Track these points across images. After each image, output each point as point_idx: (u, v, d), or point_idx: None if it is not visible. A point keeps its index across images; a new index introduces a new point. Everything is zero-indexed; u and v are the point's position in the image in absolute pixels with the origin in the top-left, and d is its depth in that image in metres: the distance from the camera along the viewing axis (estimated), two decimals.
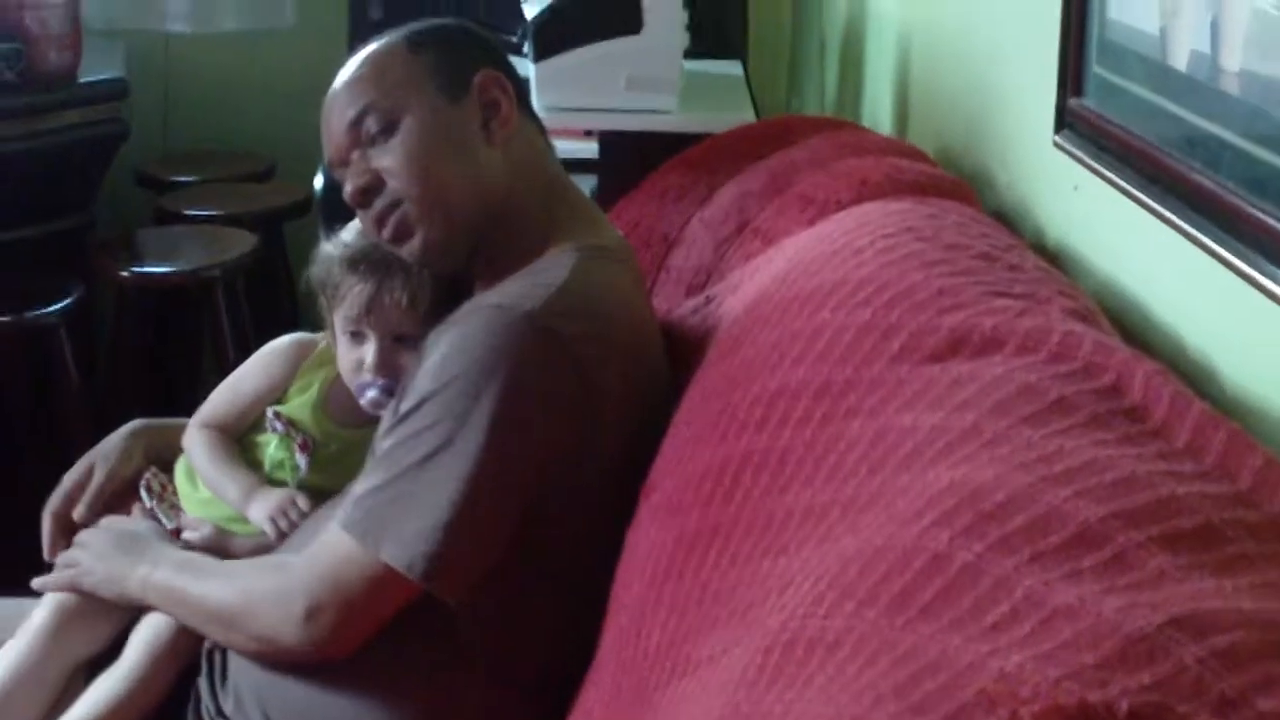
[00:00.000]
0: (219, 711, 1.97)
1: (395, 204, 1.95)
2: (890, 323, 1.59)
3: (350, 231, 2.08)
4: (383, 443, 1.87)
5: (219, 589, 1.95)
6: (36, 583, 2.15)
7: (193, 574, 2.01)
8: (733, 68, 4.12)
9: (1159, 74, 1.79)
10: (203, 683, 2.01)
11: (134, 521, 2.20)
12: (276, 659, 1.91)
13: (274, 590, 1.88)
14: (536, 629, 1.91)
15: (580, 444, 1.85)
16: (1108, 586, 1.07)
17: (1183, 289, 1.76)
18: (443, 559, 1.78)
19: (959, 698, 0.97)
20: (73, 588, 2.10)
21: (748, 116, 3.53)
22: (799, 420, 1.54)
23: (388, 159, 1.95)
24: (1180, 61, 1.73)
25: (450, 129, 1.97)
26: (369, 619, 1.84)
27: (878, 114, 3.51)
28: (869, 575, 1.18)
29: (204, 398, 2.24)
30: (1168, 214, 1.71)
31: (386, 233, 1.97)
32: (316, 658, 1.86)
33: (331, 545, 1.85)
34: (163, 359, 4.47)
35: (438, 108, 1.97)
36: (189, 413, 2.25)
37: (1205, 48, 1.65)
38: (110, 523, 2.20)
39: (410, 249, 1.97)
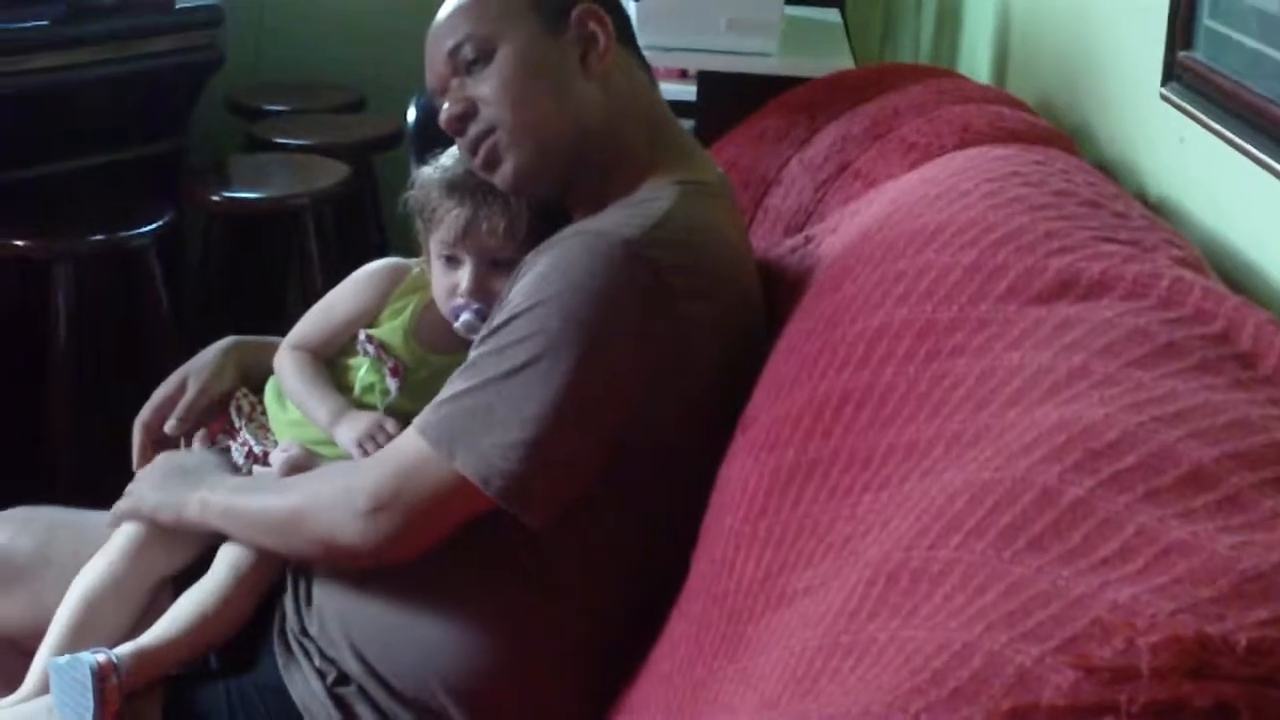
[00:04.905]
0: (303, 630, 1.99)
1: (488, 131, 1.96)
2: (996, 264, 1.58)
3: (450, 156, 2.09)
4: (470, 354, 1.88)
5: (282, 499, 1.97)
6: (108, 520, 2.17)
7: (255, 491, 2.04)
8: (831, 15, 4.12)
9: (1276, 26, 1.77)
10: (288, 601, 2.02)
11: (191, 454, 2.21)
12: (334, 561, 1.94)
13: (339, 489, 1.89)
14: (620, 560, 1.91)
15: (669, 375, 1.84)
16: (1221, 525, 1.07)
17: None
18: (523, 479, 1.79)
19: (1073, 626, 0.97)
20: (133, 514, 2.13)
21: (846, 63, 3.53)
22: (902, 357, 1.54)
23: (483, 87, 1.96)
24: None
25: (546, 59, 1.97)
26: (432, 524, 1.85)
27: (975, 64, 3.48)
28: (975, 508, 1.17)
29: (288, 327, 2.25)
30: None
31: (478, 160, 1.98)
32: (373, 558, 1.88)
33: (403, 447, 1.87)
34: (249, 286, 4.50)
35: (535, 38, 1.97)
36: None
37: None
38: (167, 456, 2.22)
39: (501, 176, 1.98)
